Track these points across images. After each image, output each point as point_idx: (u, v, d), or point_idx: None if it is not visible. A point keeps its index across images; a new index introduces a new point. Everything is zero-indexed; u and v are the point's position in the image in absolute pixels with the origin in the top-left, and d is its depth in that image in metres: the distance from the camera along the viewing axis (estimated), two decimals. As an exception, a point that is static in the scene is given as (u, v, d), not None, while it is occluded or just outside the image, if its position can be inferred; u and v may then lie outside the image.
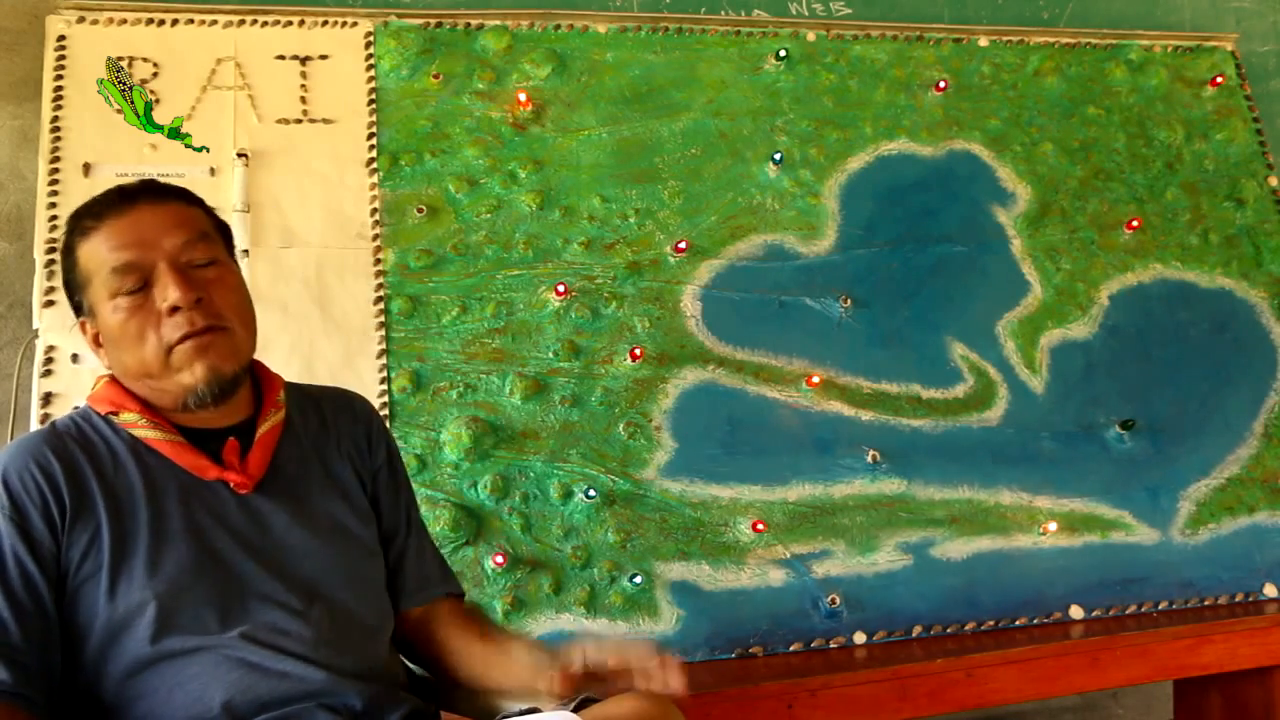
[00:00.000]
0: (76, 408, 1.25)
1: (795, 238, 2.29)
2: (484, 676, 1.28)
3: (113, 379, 1.24)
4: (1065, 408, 2.30)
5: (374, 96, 2.17)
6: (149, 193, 1.22)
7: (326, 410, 1.36)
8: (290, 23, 2.17)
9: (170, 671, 1.11)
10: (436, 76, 2.20)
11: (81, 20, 2.09)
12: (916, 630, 2.05)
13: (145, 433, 1.19)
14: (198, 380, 1.17)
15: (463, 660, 1.31)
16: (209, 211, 1.28)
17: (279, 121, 2.11)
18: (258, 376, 1.31)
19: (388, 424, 1.96)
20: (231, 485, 1.20)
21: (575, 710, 1.17)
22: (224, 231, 1.29)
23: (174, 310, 1.16)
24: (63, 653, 1.11)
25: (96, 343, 1.23)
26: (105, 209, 1.19)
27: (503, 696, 1.25)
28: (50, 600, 1.10)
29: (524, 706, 1.27)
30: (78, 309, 1.23)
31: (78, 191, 1.98)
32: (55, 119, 2.02)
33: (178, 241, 1.19)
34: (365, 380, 1.98)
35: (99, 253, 1.18)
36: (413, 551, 1.37)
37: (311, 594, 1.19)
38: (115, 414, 1.20)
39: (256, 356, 1.29)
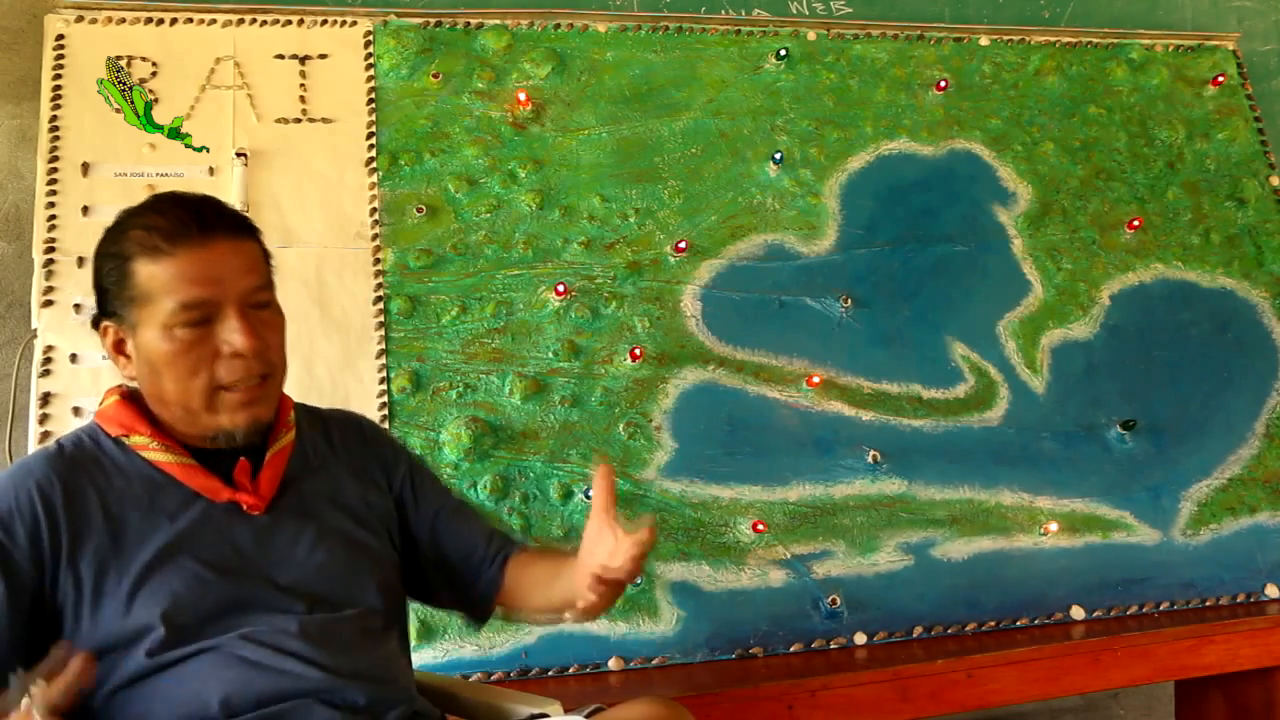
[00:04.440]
0: (80, 422, 1.24)
1: (795, 237, 2.29)
2: (548, 600, 1.32)
3: (122, 399, 1.22)
4: (1066, 408, 2.29)
5: (373, 96, 2.16)
6: (225, 227, 1.19)
7: (334, 431, 1.37)
8: (289, 22, 2.17)
9: (168, 676, 1.10)
10: (436, 76, 2.20)
11: (80, 19, 2.08)
12: (917, 631, 2.04)
13: (156, 455, 1.18)
14: (238, 427, 1.18)
15: (531, 594, 1.34)
16: (264, 245, 1.27)
17: (278, 121, 2.11)
18: None
19: (387, 425, 1.96)
20: (244, 507, 1.19)
21: (587, 718, 1.17)
22: (271, 265, 1.29)
23: (236, 355, 1.16)
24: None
25: (117, 349, 1.20)
26: (180, 236, 1.15)
27: (567, 608, 1.29)
28: (11, 621, 1.07)
29: (533, 711, 1.27)
30: (107, 313, 1.20)
31: (76, 191, 1.98)
32: (54, 118, 2.02)
33: (250, 285, 1.19)
34: (365, 380, 1.98)
35: (168, 281, 1.14)
36: (475, 527, 1.40)
37: (315, 602, 1.19)
38: (126, 436, 1.19)
39: None
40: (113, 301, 1.19)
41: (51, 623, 1.10)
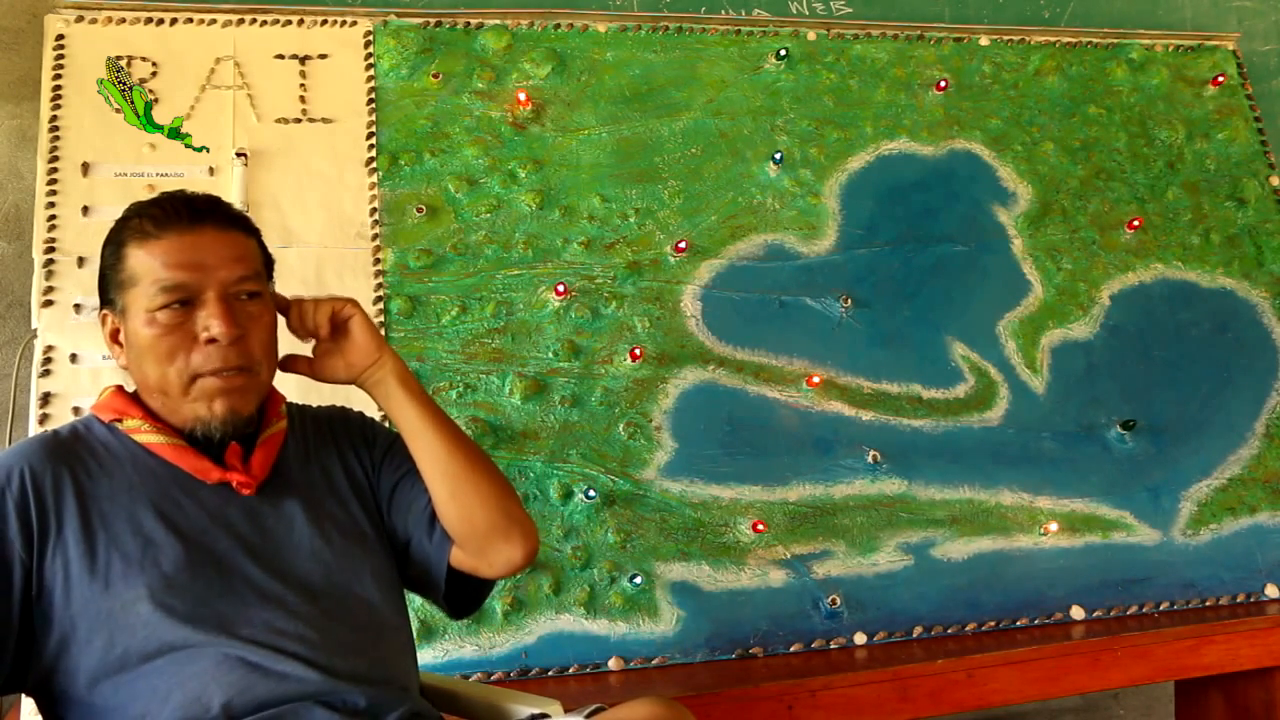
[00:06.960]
0: (79, 414, 1.24)
1: (795, 237, 2.29)
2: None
3: (118, 390, 1.24)
4: (1066, 408, 2.29)
5: (373, 96, 2.16)
6: (216, 216, 1.22)
7: (325, 424, 1.37)
8: (289, 22, 2.17)
9: (168, 671, 1.10)
10: (436, 76, 2.20)
11: (80, 19, 2.08)
12: (917, 631, 2.04)
13: (148, 437, 1.19)
14: (214, 417, 1.18)
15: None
16: (262, 244, 1.28)
17: (278, 121, 2.11)
18: None
19: (387, 424, 1.95)
20: (234, 485, 1.20)
21: (587, 718, 1.17)
22: (270, 265, 1.29)
23: (211, 341, 1.16)
24: (38, 654, 1.10)
25: (114, 339, 1.23)
26: (170, 222, 1.19)
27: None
28: (7, 594, 1.09)
29: (534, 711, 1.27)
30: (106, 302, 1.23)
31: (76, 191, 1.98)
32: (54, 118, 2.02)
33: (234, 275, 1.19)
34: (365, 380, 1.98)
35: (152, 264, 1.17)
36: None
37: (312, 594, 1.19)
38: (119, 421, 1.20)
39: None
40: (110, 288, 1.22)
41: (41, 603, 1.11)
